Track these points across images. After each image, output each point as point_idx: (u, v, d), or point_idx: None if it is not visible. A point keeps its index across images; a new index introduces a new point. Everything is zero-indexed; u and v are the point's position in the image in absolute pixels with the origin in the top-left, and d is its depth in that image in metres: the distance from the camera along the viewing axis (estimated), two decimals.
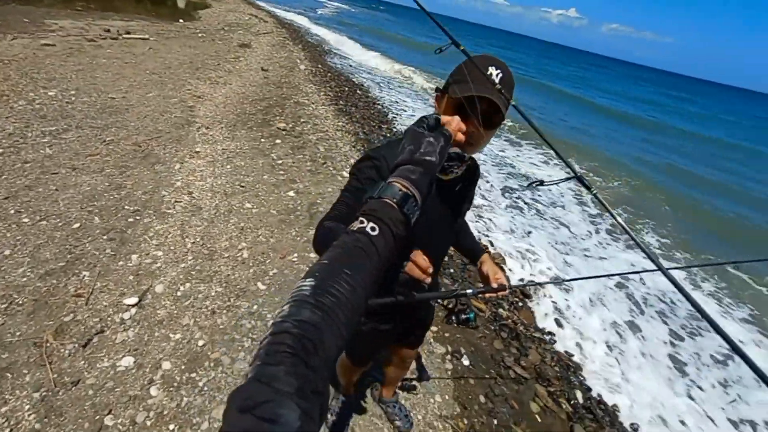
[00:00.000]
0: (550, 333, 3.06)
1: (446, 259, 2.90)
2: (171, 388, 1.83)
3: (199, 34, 11.01)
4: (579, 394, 2.50)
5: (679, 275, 3.98)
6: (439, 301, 2.59)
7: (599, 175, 8.06)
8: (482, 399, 2.23)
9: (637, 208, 6.56)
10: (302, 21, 24.47)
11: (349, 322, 0.41)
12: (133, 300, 2.20)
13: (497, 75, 0.84)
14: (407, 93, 11.03)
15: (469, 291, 1.12)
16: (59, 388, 1.71)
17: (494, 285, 1.15)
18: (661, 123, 17.84)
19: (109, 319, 2.09)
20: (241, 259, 2.76)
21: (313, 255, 2.95)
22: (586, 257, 4.63)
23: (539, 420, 2.23)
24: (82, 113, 4.38)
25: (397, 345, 1.57)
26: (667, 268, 0.48)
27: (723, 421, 2.78)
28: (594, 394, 2.59)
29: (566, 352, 2.93)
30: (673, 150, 12.66)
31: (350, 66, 12.78)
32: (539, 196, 6.14)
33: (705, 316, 0.39)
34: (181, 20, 12.56)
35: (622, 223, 0.54)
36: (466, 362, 2.44)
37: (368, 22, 35.62)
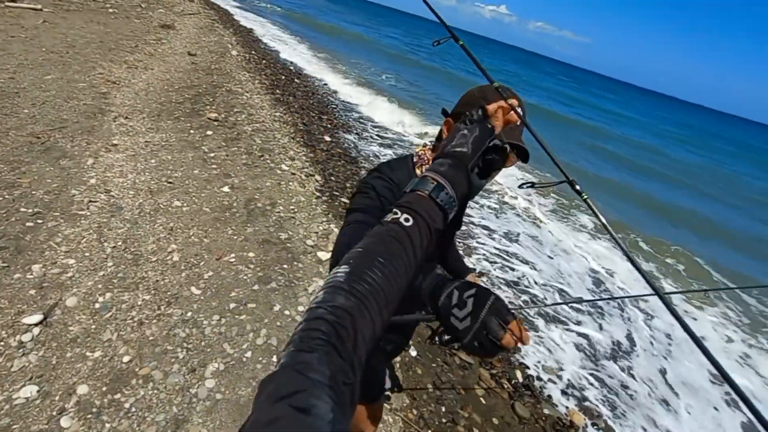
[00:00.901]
0: None
1: None
2: (89, 416, 1.61)
3: (110, 9, 9.77)
4: (518, 374, 2.66)
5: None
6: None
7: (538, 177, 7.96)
8: (430, 388, 2.29)
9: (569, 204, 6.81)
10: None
11: (381, 312, 0.40)
12: (36, 318, 1.90)
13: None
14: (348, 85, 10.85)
15: None
16: None
17: None
18: (587, 123, 19.29)
19: (2, 343, 1.78)
20: (172, 262, 2.52)
21: (252, 254, 2.78)
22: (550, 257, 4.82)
23: (484, 402, 2.34)
24: None
25: None
26: (665, 293, 0.48)
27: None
28: (531, 372, 2.77)
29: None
30: (599, 153, 13.04)
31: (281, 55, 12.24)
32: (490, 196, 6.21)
33: (700, 345, 0.39)
34: None
35: (614, 234, 0.54)
36: (413, 353, 2.48)
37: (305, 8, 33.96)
